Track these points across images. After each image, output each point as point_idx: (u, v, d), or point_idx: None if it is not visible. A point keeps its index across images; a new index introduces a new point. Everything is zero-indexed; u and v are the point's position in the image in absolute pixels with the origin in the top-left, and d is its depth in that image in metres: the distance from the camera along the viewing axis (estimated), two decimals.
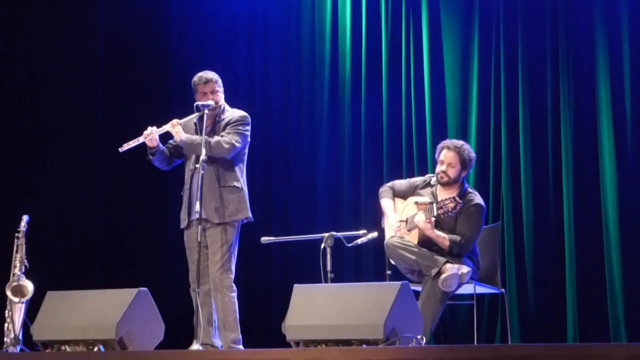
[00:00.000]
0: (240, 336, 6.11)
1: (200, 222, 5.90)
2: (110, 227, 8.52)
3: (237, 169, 6.21)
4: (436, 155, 6.53)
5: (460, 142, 6.52)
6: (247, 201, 6.20)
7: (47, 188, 8.27)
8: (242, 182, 6.22)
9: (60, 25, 8.44)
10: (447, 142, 6.55)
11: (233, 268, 6.15)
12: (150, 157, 6.21)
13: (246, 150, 6.32)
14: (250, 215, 6.20)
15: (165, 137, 6.26)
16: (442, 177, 6.45)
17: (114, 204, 8.51)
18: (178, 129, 6.17)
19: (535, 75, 7.86)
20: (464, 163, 6.45)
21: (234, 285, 6.14)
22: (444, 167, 6.44)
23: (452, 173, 6.44)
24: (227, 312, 6.06)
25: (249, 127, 6.27)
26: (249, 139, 6.30)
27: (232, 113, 6.28)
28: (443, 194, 6.46)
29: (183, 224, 6.26)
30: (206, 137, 6.06)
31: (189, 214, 6.17)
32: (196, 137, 6.14)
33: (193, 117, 6.23)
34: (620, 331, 7.32)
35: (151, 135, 6.10)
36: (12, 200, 8.08)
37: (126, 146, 6.13)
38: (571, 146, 7.67)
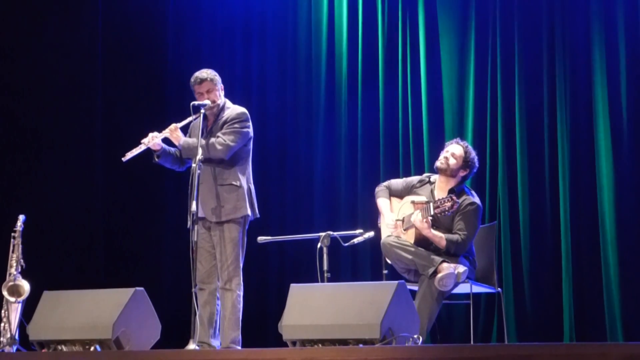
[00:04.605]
0: (240, 336, 6.12)
1: (196, 222, 5.88)
2: (106, 227, 8.52)
3: (236, 167, 6.19)
4: (444, 149, 6.57)
5: (470, 146, 6.61)
6: (246, 199, 6.16)
7: (44, 187, 8.27)
8: (242, 180, 6.19)
9: (59, 26, 8.44)
10: (459, 139, 6.67)
11: (241, 266, 6.15)
12: (156, 159, 6.20)
13: (249, 147, 6.28)
14: (249, 213, 6.16)
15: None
16: (442, 163, 6.49)
17: (110, 204, 8.51)
18: (176, 133, 6.16)
19: (532, 75, 7.87)
20: (465, 161, 6.49)
21: (242, 284, 6.14)
22: (447, 155, 6.49)
23: (453, 164, 6.47)
24: (233, 311, 6.06)
25: (247, 124, 6.23)
26: (250, 135, 6.25)
27: (231, 111, 6.26)
28: (441, 193, 6.47)
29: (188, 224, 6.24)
30: (202, 139, 6.05)
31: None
32: (192, 140, 6.14)
33: (191, 119, 6.21)
34: (617, 330, 7.33)
35: (152, 141, 6.08)
36: (9, 199, 8.07)
37: (129, 155, 6.10)
38: (567, 146, 7.68)
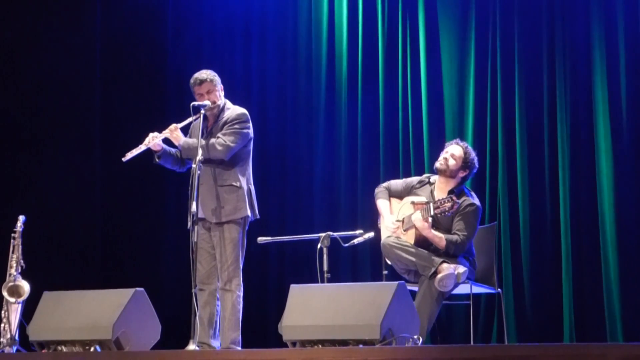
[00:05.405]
0: (240, 337, 6.12)
1: (196, 223, 5.88)
2: (106, 227, 8.52)
3: (237, 168, 6.19)
4: (444, 150, 6.57)
5: (469, 147, 6.60)
6: (246, 200, 6.16)
7: (44, 188, 8.27)
8: (242, 181, 6.18)
9: (58, 26, 8.45)
10: (459, 140, 6.66)
11: (241, 267, 6.15)
12: (157, 160, 6.19)
13: (249, 148, 6.27)
14: (249, 214, 6.16)
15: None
16: (442, 164, 6.48)
17: (110, 204, 8.52)
18: (177, 133, 6.16)
19: (532, 75, 7.86)
20: (465, 162, 6.48)
21: (242, 284, 6.14)
22: (447, 156, 6.49)
23: (452, 165, 6.47)
24: (233, 311, 6.07)
25: (247, 124, 6.23)
26: (250, 136, 6.25)
27: (231, 112, 6.26)
28: (440, 193, 6.47)
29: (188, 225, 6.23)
30: (202, 139, 6.05)
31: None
32: (192, 141, 6.14)
33: (191, 119, 6.21)
34: (617, 331, 7.32)
35: (152, 141, 6.08)
36: (9, 200, 8.07)
37: (129, 155, 6.09)
38: (568, 146, 7.67)
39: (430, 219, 6.26)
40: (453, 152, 6.51)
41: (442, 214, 6.24)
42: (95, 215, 8.48)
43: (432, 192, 6.54)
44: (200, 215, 6.07)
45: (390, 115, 8.23)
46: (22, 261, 6.50)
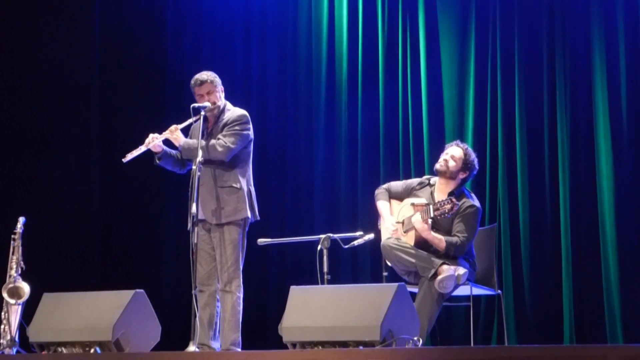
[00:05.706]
0: (240, 338, 6.12)
1: (196, 224, 5.88)
2: (106, 229, 8.51)
3: (237, 169, 6.18)
4: (444, 152, 6.57)
5: (469, 148, 6.59)
6: (246, 201, 6.15)
7: (44, 190, 8.26)
8: (242, 182, 6.18)
9: (57, 27, 8.44)
10: (459, 142, 6.66)
11: (241, 268, 6.15)
12: (158, 161, 6.19)
13: (250, 149, 6.27)
14: (249, 215, 6.15)
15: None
16: (442, 166, 6.48)
17: (110, 206, 8.51)
18: (177, 134, 6.16)
19: (532, 77, 7.86)
20: (465, 163, 6.48)
21: (242, 286, 6.14)
22: (447, 157, 6.49)
23: (452, 166, 6.47)
24: (233, 313, 6.07)
25: (247, 126, 6.23)
26: (250, 137, 6.24)
27: (231, 113, 6.25)
28: (440, 195, 6.47)
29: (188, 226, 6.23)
30: (202, 140, 6.05)
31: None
32: (193, 141, 6.14)
33: (191, 121, 6.21)
34: (617, 332, 7.33)
35: (152, 142, 6.08)
36: (9, 201, 8.07)
37: (129, 156, 6.09)
38: (568, 147, 7.67)
39: (430, 221, 6.26)
40: (453, 153, 6.51)
41: (442, 216, 6.24)
42: (95, 216, 8.47)
43: (432, 193, 6.54)
44: (201, 216, 6.07)
45: (390, 115, 8.23)
46: (22, 262, 6.50)
